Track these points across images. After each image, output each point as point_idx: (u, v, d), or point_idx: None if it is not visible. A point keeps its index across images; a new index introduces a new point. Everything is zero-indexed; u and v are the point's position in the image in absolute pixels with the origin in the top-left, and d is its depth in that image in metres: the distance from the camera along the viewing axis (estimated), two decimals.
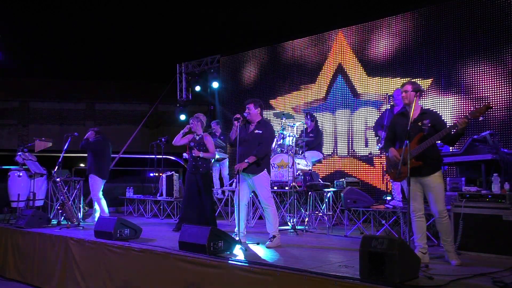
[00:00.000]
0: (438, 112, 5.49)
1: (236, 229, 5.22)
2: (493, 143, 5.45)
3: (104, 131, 8.27)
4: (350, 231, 6.13)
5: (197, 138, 6.45)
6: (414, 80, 7.80)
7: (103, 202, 7.61)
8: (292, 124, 7.92)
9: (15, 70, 15.30)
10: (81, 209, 8.15)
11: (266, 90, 10.36)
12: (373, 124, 8.15)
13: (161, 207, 8.57)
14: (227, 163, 9.21)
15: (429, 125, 4.24)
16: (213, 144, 6.50)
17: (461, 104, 7.37)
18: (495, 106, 6.96)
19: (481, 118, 4.10)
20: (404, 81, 4.65)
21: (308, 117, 8.14)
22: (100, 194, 7.59)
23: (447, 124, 4.34)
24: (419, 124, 4.28)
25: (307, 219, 6.75)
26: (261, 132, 5.34)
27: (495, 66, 7.06)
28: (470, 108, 7.25)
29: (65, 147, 7.51)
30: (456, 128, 4.12)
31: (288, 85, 9.95)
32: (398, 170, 4.30)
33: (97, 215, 7.55)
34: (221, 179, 9.37)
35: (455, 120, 6.90)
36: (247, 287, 3.95)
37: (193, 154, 6.33)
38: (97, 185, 7.52)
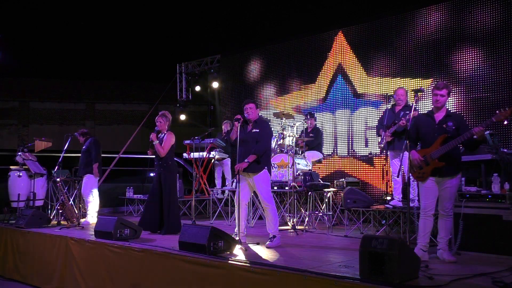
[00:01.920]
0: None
1: (236, 229, 5.22)
2: (493, 143, 5.45)
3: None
4: (350, 231, 6.13)
5: (162, 135, 6.42)
6: (414, 80, 7.87)
7: (97, 201, 7.63)
8: (292, 124, 7.92)
9: (15, 70, 15.29)
10: (81, 209, 8.15)
11: (266, 90, 10.37)
12: (373, 124, 8.18)
13: None
14: (229, 163, 9.22)
15: (453, 127, 4.32)
16: (171, 143, 6.35)
17: (461, 104, 7.37)
18: (495, 106, 6.96)
19: (505, 122, 4.15)
20: (439, 81, 4.71)
21: (309, 116, 8.15)
22: (96, 193, 7.61)
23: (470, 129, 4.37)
24: (444, 126, 4.36)
25: (307, 219, 6.75)
26: (258, 130, 5.36)
27: (495, 66, 7.06)
28: (470, 109, 7.25)
29: (65, 147, 7.52)
30: (475, 136, 4.15)
31: (288, 85, 9.95)
32: (420, 171, 4.39)
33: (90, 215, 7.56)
34: (222, 178, 9.39)
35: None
36: (247, 287, 3.96)
37: (152, 140, 6.30)
38: (93, 183, 7.57)
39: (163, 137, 6.39)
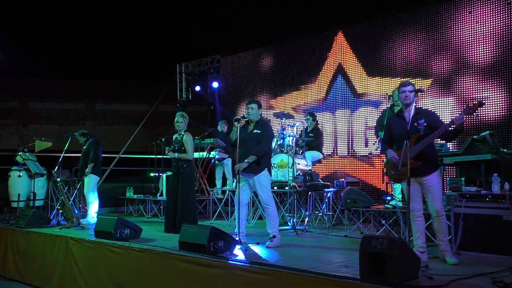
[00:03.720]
0: (436, 112, 5.49)
1: (236, 229, 5.22)
2: (493, 143, 5.45)
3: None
4: (350, 231, 6.13)
5: (179, 137, 6.41)
6: (414, 80, 7.87)
7: (97, 201, 7.64)
8: (292, 124, 7.92)
9: (15, 70, 15.29)
10: (81, 209, 8.16)
11: (266, 90, 10.36)
12: (373, 124, 8.19)
13: (161, 207, 8.56)
14: (230, 163, 9.22)
15: (425, 124, 4.24)
16: (192, 145, 6.39)
17: (461, 105, 7.37)
18: (495, 106, 6.97)
19: (474, 115, 4.10)
20: (403, 80, 4.64)
21: (309, 116, 8.15)
22: (96, 193, 7.62)
23: (444, 122, 4.33)
24: (415, 124, 4.28)
25: (307, 219, 6.75)
26: (259, 131, 5.36)
27: (495, 66, 7.06)
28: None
29: (65, 147, 7.52)
30: (453, 125, 4.11)
31: (288, 85, 9.94)
32: (398, 171, 4.31)
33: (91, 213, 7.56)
34: (223, 178, 9.38)
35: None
36: (247, 287, 3.96)
37: (169, 157, 6.30)
38: (94, 183, 7.59)
39: (182, 138, 6.35)
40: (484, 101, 4.15)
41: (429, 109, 4.82)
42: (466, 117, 4.11)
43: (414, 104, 4.37)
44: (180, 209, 6.24)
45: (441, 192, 4.38)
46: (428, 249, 4.44)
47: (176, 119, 6.44)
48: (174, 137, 6.52)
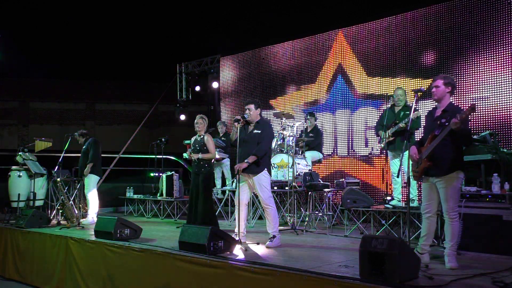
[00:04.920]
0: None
1: (236, 229, 5.22)
2: (493, 143, 5.45)
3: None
4: (350, 231, 6.13)
5: (199, 138, 6.42)
6: (414, 80, 7.87)
7: (97, 201, 7.63)
8: (292, 124, 7.92)
9: (15, 70, 15.29)
10: (81, 209, 8.15)
11: (266, 90, 10.36)
12: (373, 124, 8.18)
13: (161, 207, 8.57)
14: (228, 163, 9.23)
15: (446, 124, 4.08)
16: (214, 144, 6.41)
17: (461, 105, 7.36)
18: (495, 106, 6.97)
19: (469, 119, 4.02)
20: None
21: (309, 116, 8.15)
22: (96, 193, 7.62)
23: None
24: (438, 123, 4.19)
25: (307, 219, 6.75)
26: (260, 132, 5.36)
27: (495, 66, 7.06)
28: None
29: (65, 147, 7.52)
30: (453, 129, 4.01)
31: (288, 85, 9.95)
32: (415, 169, 4.30)
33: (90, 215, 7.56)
34: (222, 179, 9.39)
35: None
36: (247, 287, 3.96)
37: (192, 158, 6.30)
38: (94, 183, 7.60)
39: (202, 139, 6.30)
40: (475, 105, 3.99)
41: (459, 107, 4.55)
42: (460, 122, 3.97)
43: (449, 101, 4.25)
44: (201, 208, 6.14)
45: (455, 194, 4.15)
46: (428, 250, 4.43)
47: (195, 120, 6.41)
48: (193, 139, 6.49)
